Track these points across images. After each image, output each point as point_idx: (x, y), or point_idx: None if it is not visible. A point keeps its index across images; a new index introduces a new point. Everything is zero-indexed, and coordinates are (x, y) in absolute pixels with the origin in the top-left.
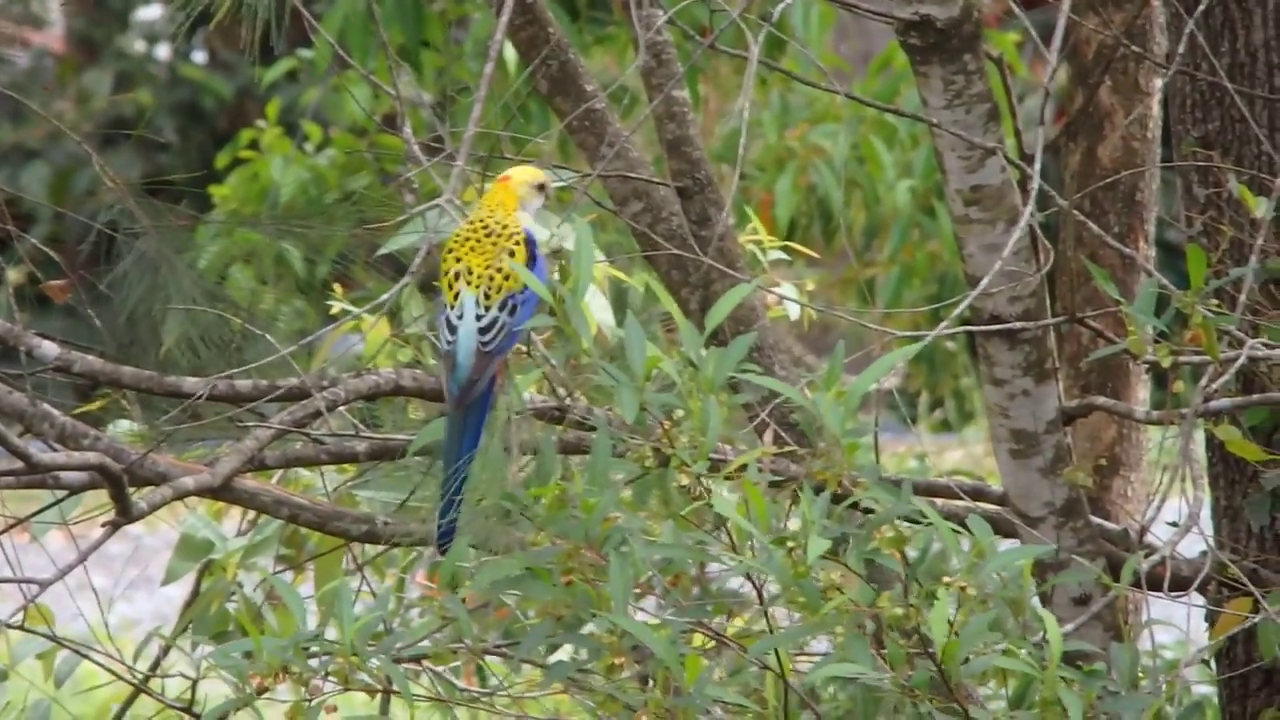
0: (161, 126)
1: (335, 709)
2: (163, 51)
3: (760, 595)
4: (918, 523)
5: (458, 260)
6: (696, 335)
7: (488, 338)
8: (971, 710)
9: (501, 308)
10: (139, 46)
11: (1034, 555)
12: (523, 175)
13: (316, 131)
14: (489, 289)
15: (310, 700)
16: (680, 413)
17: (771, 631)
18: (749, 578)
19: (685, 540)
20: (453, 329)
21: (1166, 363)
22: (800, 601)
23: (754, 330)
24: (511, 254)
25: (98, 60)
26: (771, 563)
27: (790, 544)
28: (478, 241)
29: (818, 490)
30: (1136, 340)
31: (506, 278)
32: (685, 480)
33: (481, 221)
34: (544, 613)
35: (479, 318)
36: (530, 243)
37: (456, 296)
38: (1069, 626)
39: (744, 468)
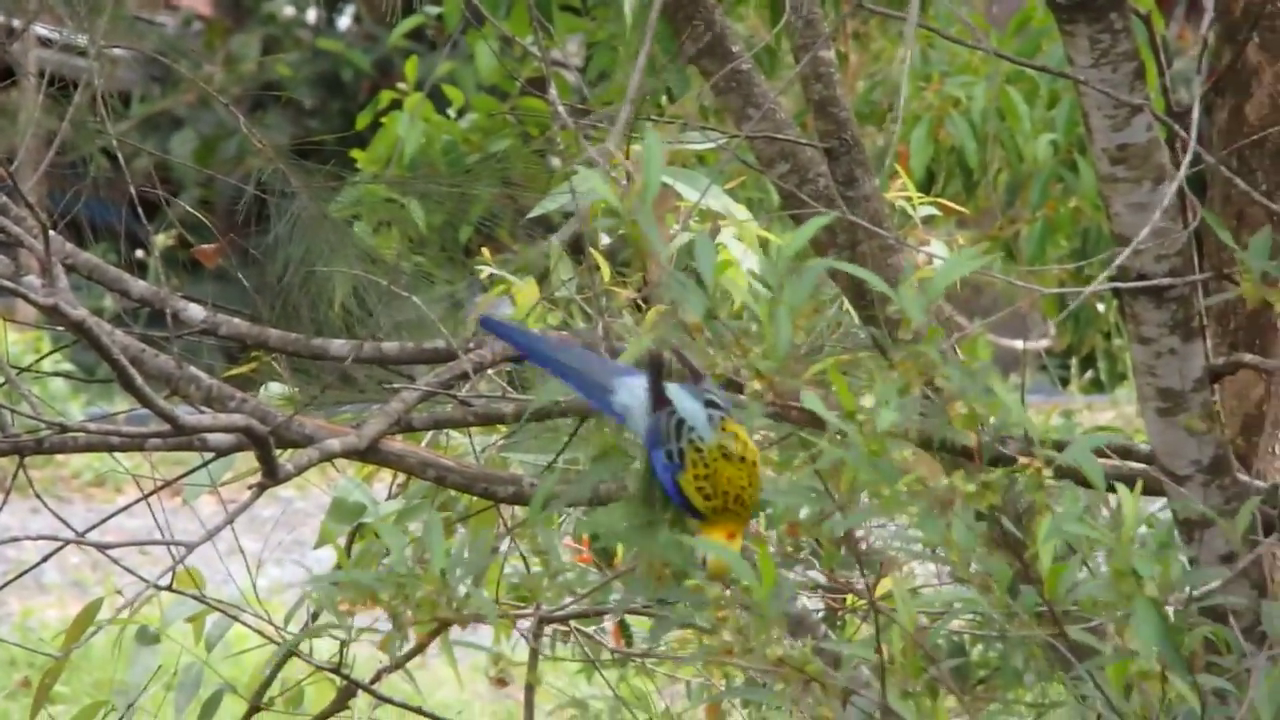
0: (303, 99)
1: (429, 640)
2: (311, 15)
3: (844, 491)
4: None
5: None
6: (776, 262)
7: (657, 449)
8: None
9: (675, 456)
10: (287, 11)
11: (1102, 443)
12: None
13: (458, 95)
14: (703, 471)
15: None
16: (754, 328)
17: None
18: (822, 482)
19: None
20: (678, 423)
21: None
22: (883, 494)
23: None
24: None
25: (245, 25)
26: (852, 450)
27: (861, 418)
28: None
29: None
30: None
31: (704, 494)
32: (759, 385)
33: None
34: (647, 565)
35: (669, 452)
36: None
37: (691, 445)
38: (1215, 583)
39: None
